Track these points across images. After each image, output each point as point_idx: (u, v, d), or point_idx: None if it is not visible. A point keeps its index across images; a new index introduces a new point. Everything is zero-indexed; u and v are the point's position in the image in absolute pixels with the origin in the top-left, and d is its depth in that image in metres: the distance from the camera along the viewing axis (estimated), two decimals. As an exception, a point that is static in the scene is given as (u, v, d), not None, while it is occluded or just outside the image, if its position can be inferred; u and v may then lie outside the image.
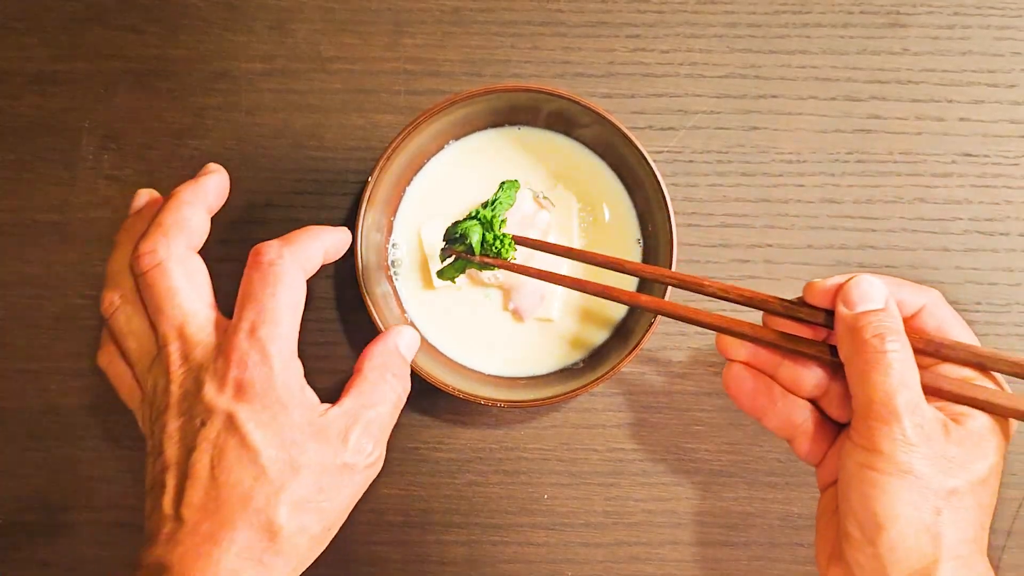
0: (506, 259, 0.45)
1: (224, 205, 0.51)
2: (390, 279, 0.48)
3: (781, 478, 0.50)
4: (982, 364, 0.38)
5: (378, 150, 0.51)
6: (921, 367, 0.37)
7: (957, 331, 0.39)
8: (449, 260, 0.46)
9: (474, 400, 0.45)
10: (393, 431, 0.48)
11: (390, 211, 0.49)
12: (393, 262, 0.49)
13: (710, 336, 0.51)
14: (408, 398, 0.49)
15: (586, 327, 0.49)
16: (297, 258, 0.39)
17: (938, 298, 0.40)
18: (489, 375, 0.48)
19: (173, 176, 0.51)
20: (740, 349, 0.41)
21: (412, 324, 0.48)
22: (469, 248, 0.44)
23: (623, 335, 0.48)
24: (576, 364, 0.49)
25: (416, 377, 0.46)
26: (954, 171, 0.52)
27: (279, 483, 0.36)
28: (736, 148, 0.51)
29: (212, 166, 0.43)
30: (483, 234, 0.44)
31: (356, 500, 0.39)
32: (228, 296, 0.50)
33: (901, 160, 0.52)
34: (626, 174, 0.49)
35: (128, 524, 0.50)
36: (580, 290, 0.43)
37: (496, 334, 0.49)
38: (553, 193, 0.49)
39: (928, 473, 0.35)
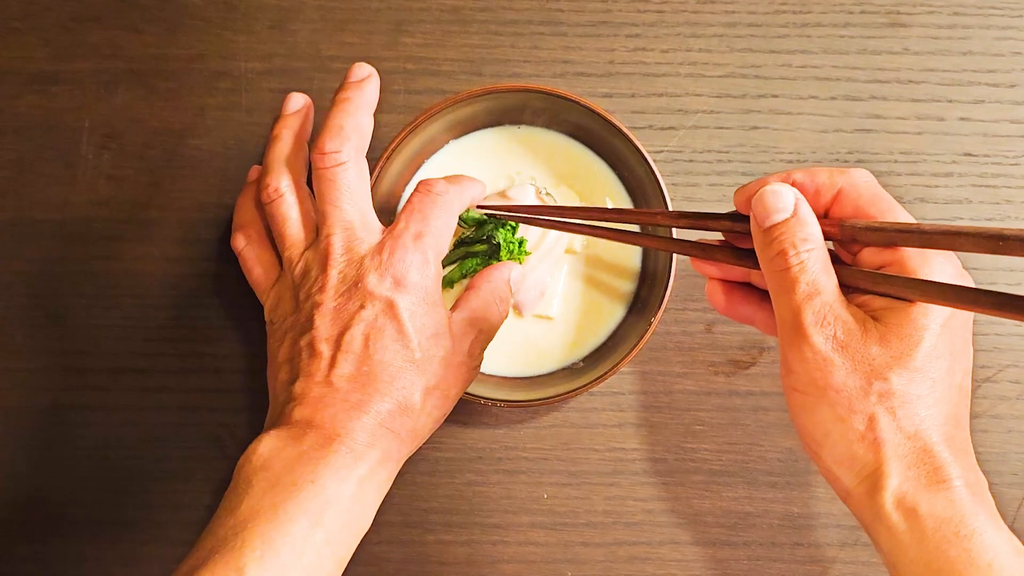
0: (520, 261, 0.48)
1: (223, 205, 0.51)
2: None
3: (781, 478, 0.50)
4: (892, 241, 0.35)
5: (378, 150, 0.51)
6: (843, 261, 0.36)
7: (882, 209, 0.36)
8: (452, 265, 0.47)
9: (474, 400, 0.45)
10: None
11: (391, 210, 0.49)
12: None
13: (710, 336, 0.51)
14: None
15: (586, 327, 0.49)
16: (460, 195, 0.44)
17: (860, 178, 0.37)
18: (489, 375, 0.48)
19: (173, 176, 0.51)
20: (710, 268, 0.42)
21: None
22: (495, 248, 0.47)
23: (623, 334, 0.48)
24: (576, 364, 0.48)
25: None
26: (955, 171, 0.52)
27: (422, 368, 0.41)
28: (736, 148, 0.51)
29: (358, 65, 0.46)
30: (506, 236, 0.47)
31: (462, 394, 0.44)
32: (236, 296, 0.50)
33: (901, 160, 0.52)
34: (626, 174, 0.49)
35: (129, 524, 0.50)
36: (589, 234, 0.45)
37: (497, 333, 0.49)
38: (556, 192, 0.49)
39: (850, 384, 0.34)
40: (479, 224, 0.48)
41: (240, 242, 0.46)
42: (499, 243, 0.47)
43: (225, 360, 0.50)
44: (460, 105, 0.46)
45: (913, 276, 0.35)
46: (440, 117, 0.46)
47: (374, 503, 0.40)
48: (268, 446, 0.38)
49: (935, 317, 0.35)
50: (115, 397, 0.50)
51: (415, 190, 0.44)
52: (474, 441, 0.50)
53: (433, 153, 0.49)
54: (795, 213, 0.36)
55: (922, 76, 0.52)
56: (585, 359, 0.49)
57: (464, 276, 0.48)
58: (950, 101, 0.52)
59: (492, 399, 0.45)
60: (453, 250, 0.48)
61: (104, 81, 0.51)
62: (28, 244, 0.50)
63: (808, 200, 0.37)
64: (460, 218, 0.46)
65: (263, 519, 0.36)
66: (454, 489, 0.50)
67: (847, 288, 0.36)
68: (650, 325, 0.45)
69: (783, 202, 0.36)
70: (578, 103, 0.45)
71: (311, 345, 0.40)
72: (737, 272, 0.42)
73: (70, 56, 0.51)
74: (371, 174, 0.45)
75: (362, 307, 0.40)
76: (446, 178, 0.45)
